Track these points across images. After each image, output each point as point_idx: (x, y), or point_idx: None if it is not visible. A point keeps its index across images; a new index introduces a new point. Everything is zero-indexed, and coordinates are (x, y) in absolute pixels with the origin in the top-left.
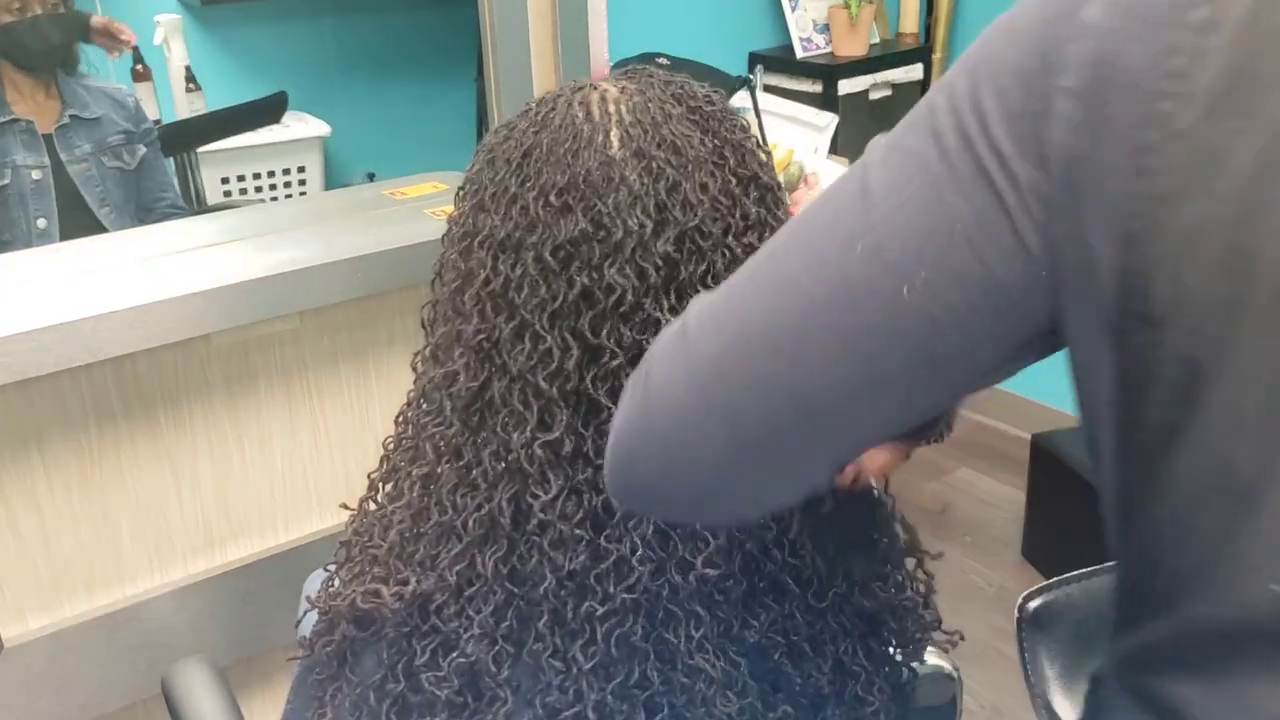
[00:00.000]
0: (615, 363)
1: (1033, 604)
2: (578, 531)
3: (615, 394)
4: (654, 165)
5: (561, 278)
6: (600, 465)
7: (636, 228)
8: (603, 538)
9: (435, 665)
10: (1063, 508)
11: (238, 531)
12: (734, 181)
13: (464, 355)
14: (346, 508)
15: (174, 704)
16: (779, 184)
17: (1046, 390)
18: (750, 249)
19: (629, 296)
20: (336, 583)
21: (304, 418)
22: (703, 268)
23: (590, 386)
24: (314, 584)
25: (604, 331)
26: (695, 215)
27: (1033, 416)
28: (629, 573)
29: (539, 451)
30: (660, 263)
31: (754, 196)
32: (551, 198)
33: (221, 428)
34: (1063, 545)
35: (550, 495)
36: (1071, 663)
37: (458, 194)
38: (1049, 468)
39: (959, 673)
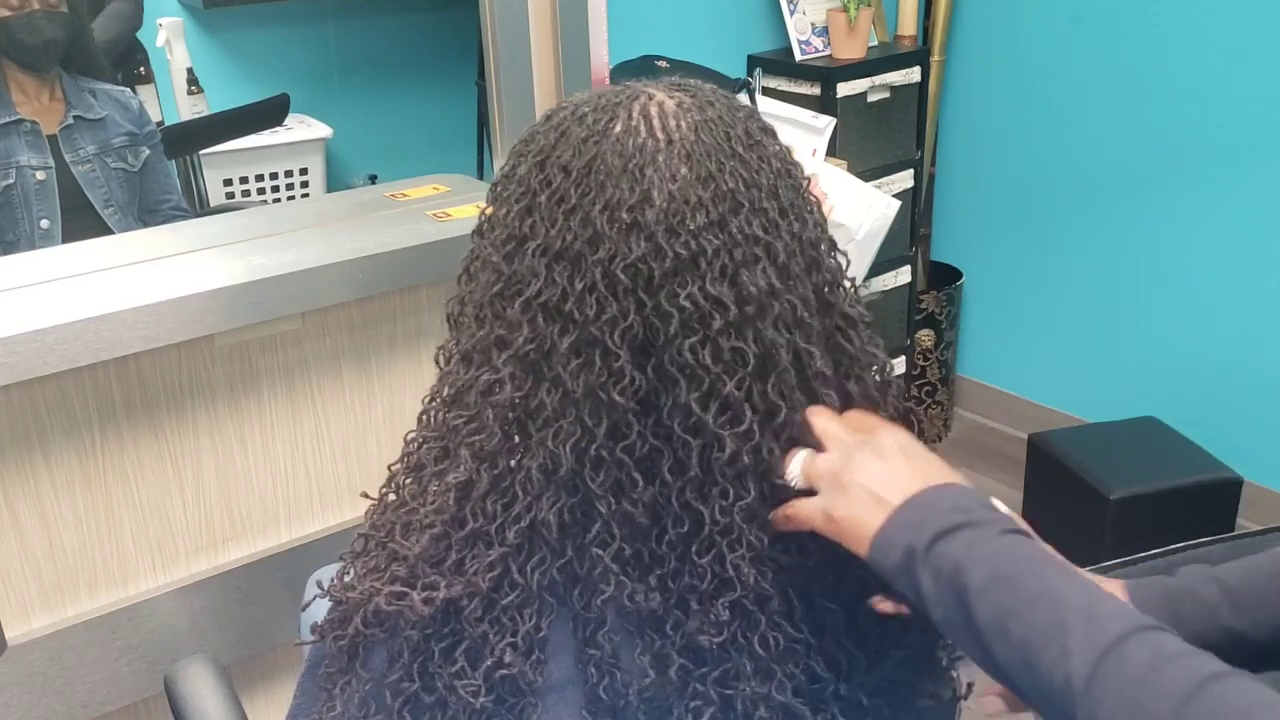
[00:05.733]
0: (694, 387)
1: None
2: (656, 548)
3: (692, 429)
4: (721, 187)
5: (631, 296)
6: (683, 482)
7: (711, 250)
8: (702, 558)
9: (464, 673)
10: (1059, 507)
11: (240, 531)
12: (777, 201)
13: (509, 365)
14: (367, 496)
15: (177, 703)
16: (809, 194)
17: (1043, 390)
18: (793, 275)
19: (717, 318)
20: (351, 574)
21: (306, 418)
22: (763, 284)
23: (665, 415)
24: (326, 575)
25: (683, 350)
26: (757, 233)
27: (1029, 417)
28: (731, 589)
29: (606, 463)
30: (728, 285)
31: (792, 215)
32: (622, 214)
33: (224, 428)
34: (1058, 545)
35: (615, 511)
36: None
37: (493, 190)
38: (1045, 467)
39: (958, 671)
